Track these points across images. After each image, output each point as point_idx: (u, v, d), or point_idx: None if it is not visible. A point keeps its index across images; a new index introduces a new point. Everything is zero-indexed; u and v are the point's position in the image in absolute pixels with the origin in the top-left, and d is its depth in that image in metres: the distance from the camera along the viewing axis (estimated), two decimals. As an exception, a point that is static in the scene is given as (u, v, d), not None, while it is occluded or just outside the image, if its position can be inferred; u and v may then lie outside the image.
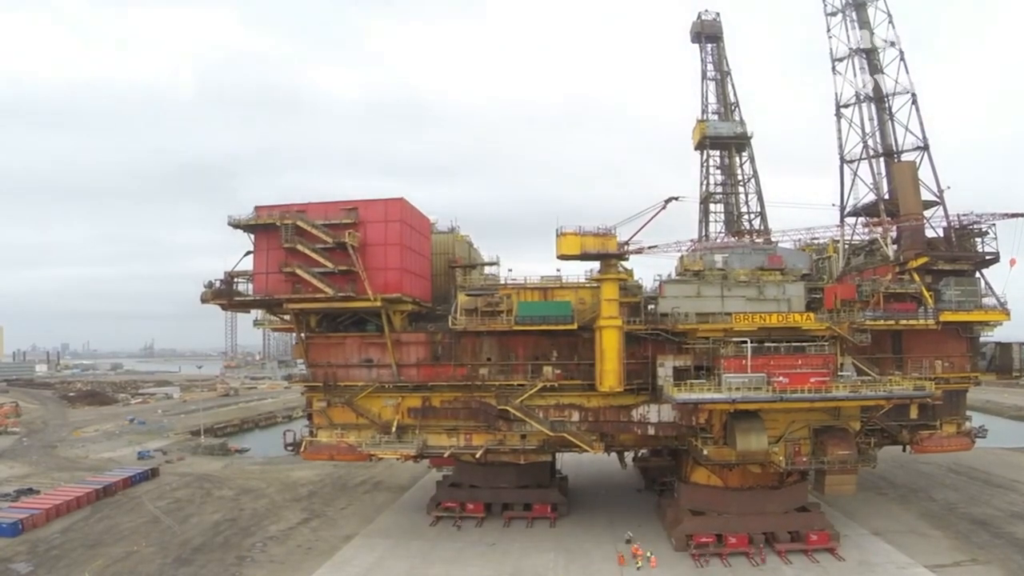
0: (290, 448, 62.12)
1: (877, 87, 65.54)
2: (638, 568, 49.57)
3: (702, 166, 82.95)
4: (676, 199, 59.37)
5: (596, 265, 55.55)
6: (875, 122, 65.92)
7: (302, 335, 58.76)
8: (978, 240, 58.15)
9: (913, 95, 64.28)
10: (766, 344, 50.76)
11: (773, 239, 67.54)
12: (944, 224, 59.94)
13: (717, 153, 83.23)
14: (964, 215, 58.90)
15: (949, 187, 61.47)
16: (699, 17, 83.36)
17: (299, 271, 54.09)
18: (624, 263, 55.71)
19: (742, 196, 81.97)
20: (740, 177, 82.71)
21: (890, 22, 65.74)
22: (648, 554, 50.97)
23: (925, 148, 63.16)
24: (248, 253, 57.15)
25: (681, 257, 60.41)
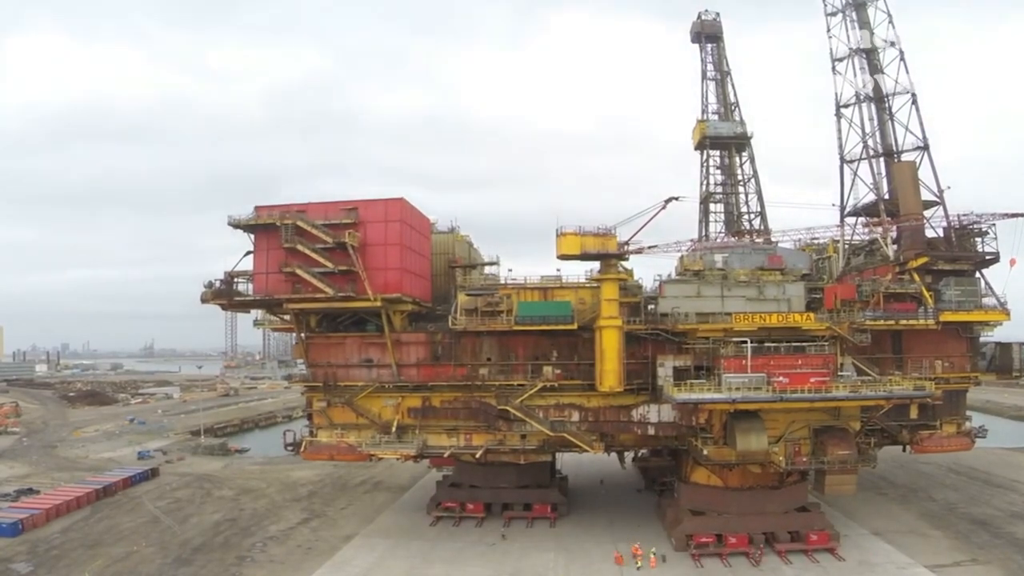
0: (290, 448, 62.12)
1: (877, 87, 65.55)
2: (638, 568, 49.57)
3: (702, 166, 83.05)
4: (676, 199, 59.40)
5: (596, 265, 55.52)
6: (875, 122, 65.92)
7: (302, 335, 58.74)
8: (978, 240, 58.10)
9: (913, 95, 64.31)
10: (766, 344, 50.72)
11: (773, 239, 67.49)
12: (944, 224, 59.92)
13: (717, 153, 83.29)
14: (964, 215, 58.85)
15: (949, 187, 61.59)
16: (699, 17, 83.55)
17: (299, 271, 54.07)
18: (624, 263, 55.67)
19: (742, 196, 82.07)
20: (740, 177, 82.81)
21: (890, 22, 65.79)
22: (654, 551, 51.03)
23: (925, 148, 63.17)
24: (248, 253, 57.17)
25: (681, 257, 60.36)
